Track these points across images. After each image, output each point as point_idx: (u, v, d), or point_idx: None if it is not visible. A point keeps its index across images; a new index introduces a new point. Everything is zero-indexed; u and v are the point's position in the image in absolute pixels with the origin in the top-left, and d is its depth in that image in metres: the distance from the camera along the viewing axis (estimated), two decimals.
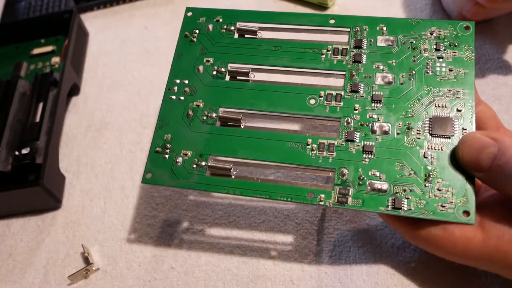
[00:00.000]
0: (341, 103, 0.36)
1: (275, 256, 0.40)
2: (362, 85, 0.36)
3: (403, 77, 0.36)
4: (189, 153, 0.36)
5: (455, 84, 0.35)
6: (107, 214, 0.45)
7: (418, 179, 0.33)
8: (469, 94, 0.34)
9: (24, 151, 0.45)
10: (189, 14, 0.42)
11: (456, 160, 0.33)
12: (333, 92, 0.36)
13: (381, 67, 0.37)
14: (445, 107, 0.34)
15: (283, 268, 0.39)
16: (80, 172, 0.48)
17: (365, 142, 0.34)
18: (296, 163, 0.35)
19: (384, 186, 0.33)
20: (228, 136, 0.37)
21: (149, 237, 0.43)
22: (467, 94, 0.34)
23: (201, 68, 0.39)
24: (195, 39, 0.41)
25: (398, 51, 0.37)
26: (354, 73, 0.37)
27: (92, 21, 0.62)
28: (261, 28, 0.40)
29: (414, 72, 0.36)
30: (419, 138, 0.34)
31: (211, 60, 0.40)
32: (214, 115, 0.37)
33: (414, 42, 0.37)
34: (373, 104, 0.35)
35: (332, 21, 0.39)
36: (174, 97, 0.39)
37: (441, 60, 0.36)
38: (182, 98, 0.39)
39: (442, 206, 0.32)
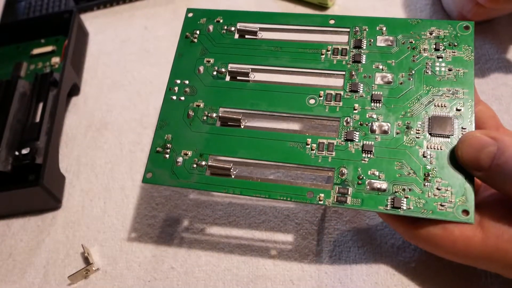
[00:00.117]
0: (341, 103, 0.36)
1: (275, 256, 0.40)
2: (362, 85, 0.37)
3: (402, 77, 0.36)
4: (189, 153, 0.37)
5: (454, 84, 0.35)
6: (107, 214, 0.45)
7: (418, 178, 0.33)
8: (469, 94, 0.35)
9: (24, 151, 0.45)
10: (190, 15, 0.42)
11: (455, 159, 0.33)
12: (333, 92, 0.37)
13: (381, 67, 0.37)
14: (445, 106, 0.35)
15: (283, 268, 0.39)
16: (80, 172, 0.49)
17: (365, 142, 0.35)
18: (295, 162, 0.35)
19: (384, 185, 0.33)
20: (228, 136, 0.37)
21: (149, 237, 0.43)
22: (466, 93, 0.35)
23: (201, 68, 0.40)
24: (195, 40, 0.41)
25: (397, 51, 0.37)
26: (353, 73, 0.37)
27: (92, 21, 0.62)
28: (261, 29, 0.41)
29: (413, 72, 0.36)
30: (418, 137, 0.34)
31: (211, 61, 0.40)
32: (214, 115, 0.38)
33: (413, 42, 0.37)
34: (372, 104, 0.36)
35: (331, 22, 0.40)
36: (174, 97, 0.39)
37: (440, 60, 0.36)
38: (182, 98, 0.39)
39: (441, 205, 0.32)
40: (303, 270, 0.39)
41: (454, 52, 0.36)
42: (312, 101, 0.37)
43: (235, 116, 0.37)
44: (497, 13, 0.47)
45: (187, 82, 0.40)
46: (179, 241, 0.42)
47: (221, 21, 0.42)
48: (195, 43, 0.41)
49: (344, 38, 0.39)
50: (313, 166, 0.35)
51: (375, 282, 0.37)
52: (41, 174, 0.44)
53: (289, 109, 0.37)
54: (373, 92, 0.36)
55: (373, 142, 0.35)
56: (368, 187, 0.33)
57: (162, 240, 0.42)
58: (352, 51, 0.38)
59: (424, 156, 0.33)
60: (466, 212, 0.32)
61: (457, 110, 0.34)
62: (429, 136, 0.34)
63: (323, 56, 0.38)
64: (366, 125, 0.35)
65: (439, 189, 0.32)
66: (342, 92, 0.37)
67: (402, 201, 0.32)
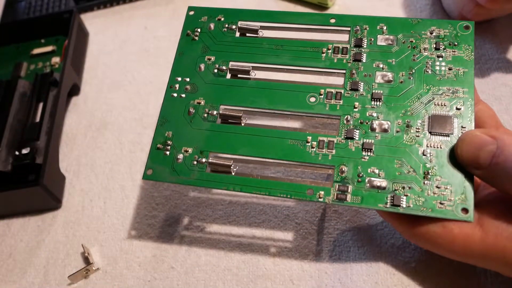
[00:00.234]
0: (341, 101, 0.37)
1: (275, 255, 0.40)
2: (362, 83, 0.37)
3: (403, 75, 0.37)
4: (189, 150, 0.37)
5: (454, 83, 0.36)
6: (107, 214, 0.46)
7: (417, 176, 0.33)
8: (469, 93, 0.35)
9: (24, 151, 0.46)
10: (191, 13, 0.43)
11: (455, 158, 0.33)
12: (333, 90, 0.37)
13: (381, 65, 0.38)
14: (445, 105, 0.35)
15: (283, 268, 0.40)
16: (80, 172, 0.49)
17: (365, 140, 0.35)
18: (296, 160, 0.36)
19: (383, 183, 0.34)
20: (228, 133, 0.38)
21: (149, 237, 0.43)
22: (466, 93, 0.35)
23: (202, 66, 0.41)
24: (196, 38, 0.42)
25: (398, 50, 0.38)
26: (354, 71, 0.38)
27: (92, 21, 0.63)
28: (262, 27, 0.41)
29: (413, 71, 0.37)
30: (418, 136, 0.35)
31: (212, 59, 0.41)
32: (215, 112, 0.39)
33: (414, 41, 0.38)
34: (372, 102, 0.36)
35: (332, 21, 0.40)
36: (175, 94, 0.40)
37: (440, 59, 0.37)
38: (183, 95, 0.40)
39: (440, 203, 0.32)
40: (303, 270, 0.39)
41: (454, 51, 0.37)
42: (312, 99, 0.37)
43: (235, 114, 0.38)
44: (497, 13, 0.47)
45: (188, 79, 0.40)
46: (179, 241, 0.42)
47: (222, 19, 0.42)
48: (196, 41, 0.42)
49: (344, 37, 0.40)
50: (313, 164, 0.35)
51: (375, 282, 0.38)
52: (41, 174, 0.44)
53: (290, 107, 0.38)
54: (374, 91, 0.37)
55: (373, 140, 0.35)
56: (368, 185, 0.34)
57: (162, 240, 0.43)
58: (353, 50, 0.39)
59: (424, 155, 0.34)
60: (465, 210, 0.32)
61: (457, 109, 0.35)
62: (429, 134, 0.34)
63: (324, 54, 0.39)
64: (366, 123, 0.36)
65: (438, 187, 0.33)
66: (342, 91, 0.37)
67: (401, 199, 0.33)
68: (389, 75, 0.37)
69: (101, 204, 0.47)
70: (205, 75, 0.40)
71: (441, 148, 0.34)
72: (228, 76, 0.40)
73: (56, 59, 0.54)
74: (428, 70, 0.37)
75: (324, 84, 0.38)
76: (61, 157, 0.50)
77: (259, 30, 0.41)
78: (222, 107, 0.39)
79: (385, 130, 0.35)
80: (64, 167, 0.50)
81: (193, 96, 0.40)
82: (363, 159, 0.35)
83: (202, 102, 0.39)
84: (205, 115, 0.39)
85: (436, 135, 0.34)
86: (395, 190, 0.33)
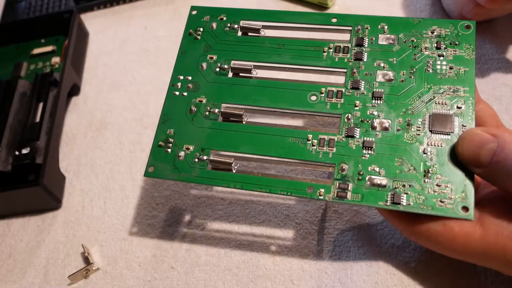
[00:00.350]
0: (342, 100, 0.37)
1: (275, 255, 0.41)
2: (363, 82, 0.38)
3: (403, 74, 0.37)
4: (191, 148, 0.38)
5: (455, 82, 0.36)
6: (107, 214, 0.46)
7: (418, 174, 0.34)
8: (469, 92, 0.36)
9: (24, 151, 0.46)
10: (194, 12, 0.44)
11: (455, 156, 0.34)
12: (334, 89, 0.38)
13: (382, 64, 0.38)
14: (445, 104, 0.36)
15: (283, 268, 0.40)
16: (80, 172, 0.50)
17: (365, 138, 0.36)
18: (296, 158, 0.36)
19: (384, 181, 0.34)
20: (230, 131, 0.38)
21: (149, 237, 0.44)
22: (467, 92, 0.36)
23: (204, 65, 0.41)
24: (199, 37, 0.43)
25: (399, 49, 0.38)
26: (355, 70, 0.38)
27: (92, 21, 0.63)
28: (264, 27, 0.42)
29: (414, 70, 0.37)
30: (419, 134, 0.35)
31: (214, 57, 0.41)
32: (216, 110, 0.39)
33: (415, 40, 0.39)
34: (373, 101, 0.37)
35: (334, 20, 0.41)
36: (177, 93, 0.41)
37: (441, 58, 0.37)
38: (185, 94, 0.40)
39: (441, 201, 0.33)
40: (303, 270, 0.40)
41: (455, 50, 0.37)
42: (313, 98, 0.38)
43: (237, 112, 0.38)
44: (497, 13, 0.48)
45: (190, 78, 0.41)
46: (179, 241, 0.43)
47: (224, 18, 0.43)
48: (198, 40, 0.42)
49: (346, 36, 0.40)
50: (314, 162, 0.36)
51: (375, 282, 0.38)
52: (41, 174, 0.45)
53: (291, 105, 0.38)
54: (374, 89, 0.37)
55: (373, 139, 0.36)
56: (368, 182, 0.34)
57: (162, 240, 0.43)
58: (354, 49, 0.39)
59: (425, 153, 0.34)
60: (465, 208, 0.32)
61: (458, 108, 0.35)
62: (430, 133, 0.35)
63: (325, 53, 0.40)
64: (367, 121, 0.36)
65: (439, 186, 0.33)
66: (343, 89, 0.38)
67: (402, 197, 0.33)
68: (390, 74, 0.38)
69: (101, 204, 0.47)
70: (207, 73, 0.41)
71: (441, 146, 0.34)
72: (230, 74, 0.41)
73: (56, 59, 0.55)
74: (429, 69, 0.37)
75: (325, 83, 0.39)
76: (61, 157, 0.51)
77: (261, 30, 0.42)
78: (223, 105, 0.39)
79: (385, 129, 0.36)
80: (64, 167, 0.50)
81: (195, 95, 0.40)
82: (363, 157, 0.35)
83: (204, 101, 0.40)
84: (207, 113, 0.39)
85: (437, 133, 0.35)
86: (396, 188, 0.34)
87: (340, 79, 0.39)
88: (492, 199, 0.34)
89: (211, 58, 0.41)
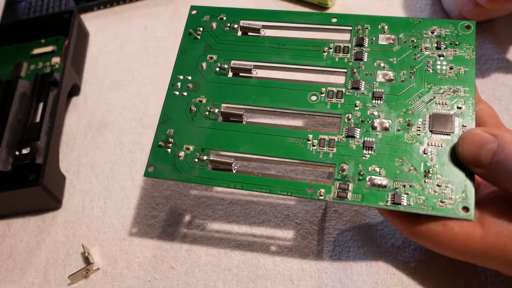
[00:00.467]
0: (342, 100, 0.37)
1: (275, 256, 0.41)
2: (363, 82, 0.38)
3: (404, 74, 0.37)
4: (191, 148, 0.38)
5: (455, 82, 0.36)
6: (107, 214, 0.46)
7: (418, 175, 0.34)
8: (470, 92, 0.36)
9: (24, 151, 0.46)
10: (194, 12, 0.44)
11: (456, 156, 0.34)
12: (334, 89, 0.38)
13: (382, 64, 0.38)
14: (446, 104, 0.36)
15: (283, 268, 0.40)
16: (80, 172, 0.50)
17: (366, 138, 0.36)
18: (297, 158, 0.36)
19: (384, 181, 0.34)
20: (230, 131, 0.38)
21: (149, 237, 0.44)
22: (467, 92, 0.36)
23: (204, 64, 0.41)
24: (199, 37, 0.43)
25: (399, 49, 0.38)
26: (355, 70, 0.38)
27: (92, 21, 0.63)
28: (264, 26, 0.42)
29: (415, 70, 0.37)
30: (419, 134, 0.35)
31: (214, 57, 0.41)
32: (216, 110, 0.39)
33: (415, 40, 0.38)
34: (373, 101, 0.37)
35: (334, 20, 0.41)
36: (177, 92, 0.40)
37: (442, 58, 0.37)
38: (185, 93, 0.40)
39: (441, 201, 0.33)
40: (303, 270, 0.40)
41: (456, 51, 0.37)
42: (313, 98, 0.38)
43: (237, 112, 0.38)
44: (497, 13, 0.48)
45: (190, 78, 0.41)
46: (179, 241, 0.43)
47: (224, 18, 0.43)
48: (198, 39, 0.42)
49: (346, 36, 0.40)
50: (314, 162, 0.36)
51: (375, 282, 0.38)
52: (41, 174, 0.45)
53: (291, 105, 0.38)
54: (375, 90, 0.37)
55: (374, 139, 0.36)
56: (368, 183, 0.34)
57: (162, 240, 0.43)
58: (354, 49, 0.39)
59: (425, 153, 0.34)
60: (466, 209, 0.32)
61: (458, 108, 0.35)
62: (430, 133, 0.35)
63: (325, 53, 0.40)
64: (367, 122, 0.36)
65: (439, 186, 0.33)
66: (343, 89, 0.38)
67: (402, 197, 0.33)
68: (390, 74, 0.38)
69: (101, 204, 0.47)
70: (207, 73, 0.41)
71: (442, 146, 0.34)
72: (230, 74, 0.41)
73: (56, 59, 0.55)
74: (429, 69, 0.37)
75: (326, 83, 0.38)
76: (61, 157, 0.51)
77: (261, 29, 0.42)
78: (223, 105, 0.39)
79: (386, 129, 0.36)
80: (64, 167, 0.50)
81: (195, 94, 0.40)
82: (364, 158, 0.35)
83: (203, 100, 0.40)
84: (207, 113, 0.39)
85: (437, 133, 0.35)
86: (396, 188, 0.34)
87: (340, 79, 0.38)
88: (493, 199, 0.34)
89: (211, 58, 0.41)
